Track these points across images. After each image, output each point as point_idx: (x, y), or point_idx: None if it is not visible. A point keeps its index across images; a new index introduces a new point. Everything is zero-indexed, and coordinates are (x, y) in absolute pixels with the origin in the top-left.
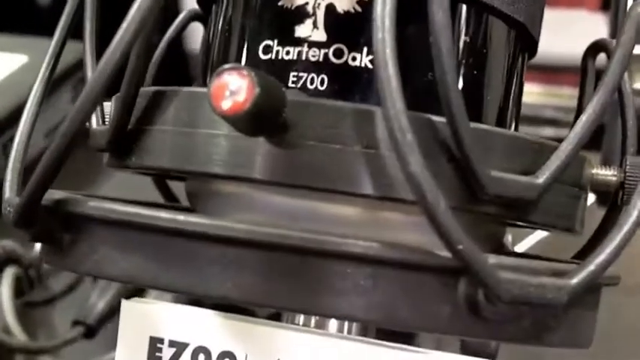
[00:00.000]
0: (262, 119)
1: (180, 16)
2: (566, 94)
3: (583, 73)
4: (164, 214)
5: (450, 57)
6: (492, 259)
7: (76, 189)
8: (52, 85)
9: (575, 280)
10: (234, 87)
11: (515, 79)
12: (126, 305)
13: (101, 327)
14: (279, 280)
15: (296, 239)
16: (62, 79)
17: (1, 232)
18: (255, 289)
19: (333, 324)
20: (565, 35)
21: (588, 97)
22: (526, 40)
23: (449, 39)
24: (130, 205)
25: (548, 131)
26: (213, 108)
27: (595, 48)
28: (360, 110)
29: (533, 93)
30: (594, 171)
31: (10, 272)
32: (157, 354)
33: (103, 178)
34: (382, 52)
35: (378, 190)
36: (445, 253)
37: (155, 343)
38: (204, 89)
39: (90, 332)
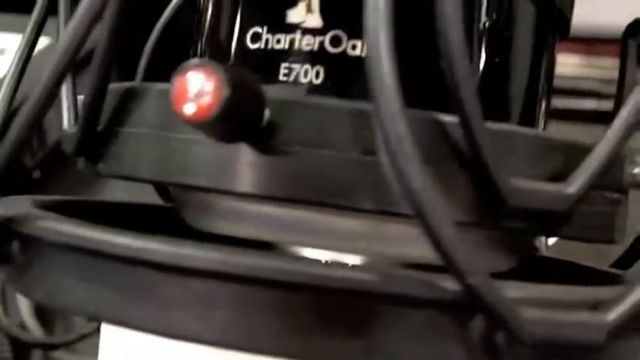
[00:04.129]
0: (237, 124)
1: (174, 1)
2: (607, 66)
3: (623, 55)
4: (119, 239)
5: (460, 47)
6: (513, 290)
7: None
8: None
9: (613, 316)
10: (197, 89)
11: (543, 66)
12: (105, 330)
13: None
14: (255, 319)
15: (268, 271)
16: (86, 61)
17: None
18: (229, 328)
19: None
20: (605, 5)
21: (629, 84)
22: (556, 19)
23: (460, 24)
24: (84, 226)
25: (590, 103)
26: (175, 113)
27: (636, 27)
28: (355, 110)
29: (572, 64)
30: (637, 170)
31: None
32: None
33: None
34: (375, 44)
35: (377, 203)
36: (451, 284)
37: None
38: None
39: None
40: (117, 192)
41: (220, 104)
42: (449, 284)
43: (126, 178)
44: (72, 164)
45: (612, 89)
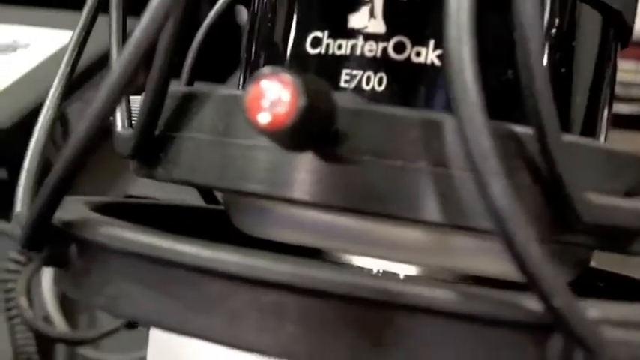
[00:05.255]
0: (308, 133)
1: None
2: (629, 69)
3: None
4: (188, 248)
5: (540, 58)
6: (594, 310)
7: (112, 183)
8: (89, 73)
9: None
10: (274, 97)
11: (606, 76)
12: (154, 335)
13: None
14: (326, 333)
15: (346, 286)
16: (99, 65)
17: None
18: (299, 343)
19: None
20: None
21: None
22: (619, 28)
23: (540, 36)
24: (150, 233)
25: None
26: (249, 122)
27: None
28: (427, 120)
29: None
30: None
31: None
32: None
33: None
34: (458, 56)
35: (447, 217)
36: (533, 303)
37: None
38: (240, 92)
39: (133, 323)
40: (143, 188)
41: (297, 114)
42: (531, 304)
43: (184, 183)
44: (96, 160)
45: (632, 92)
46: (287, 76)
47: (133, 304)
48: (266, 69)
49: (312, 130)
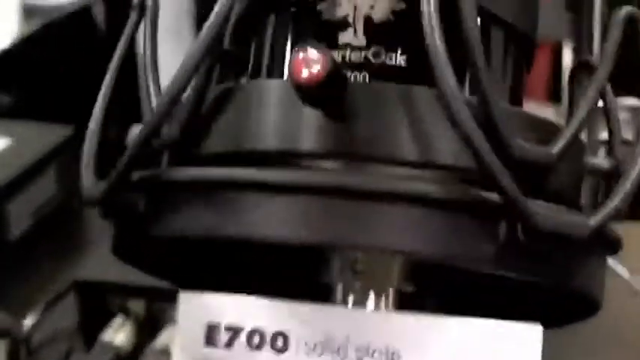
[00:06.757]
0: (330, 88)
1: None
2: None
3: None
4: (238, 171)
5: (479, 53)
6: (530, 201)
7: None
8: (39, 166)
9: (593, 220)
10: (315, 57)
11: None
12: (183, 296)
13: None
14: (334, 220)
15: (350, 183)
16: (48, 160)
17: None
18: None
19: (370, 302)
20: None
21: None
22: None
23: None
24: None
25: None
26: (292, 78)
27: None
28: (405, 90)
29: None
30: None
31: (2, 344)
32: (215, 338)
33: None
34: (433, 44)
35: (421, 155)
36: (491, 195)
37: (212, 329)
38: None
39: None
40: (91, 272)
41: (327, 68)
42: (489, 195)
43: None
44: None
45: None
46: (322, 49)
47: (199, 222)
48: (306, 44)
49: (333, 87)
